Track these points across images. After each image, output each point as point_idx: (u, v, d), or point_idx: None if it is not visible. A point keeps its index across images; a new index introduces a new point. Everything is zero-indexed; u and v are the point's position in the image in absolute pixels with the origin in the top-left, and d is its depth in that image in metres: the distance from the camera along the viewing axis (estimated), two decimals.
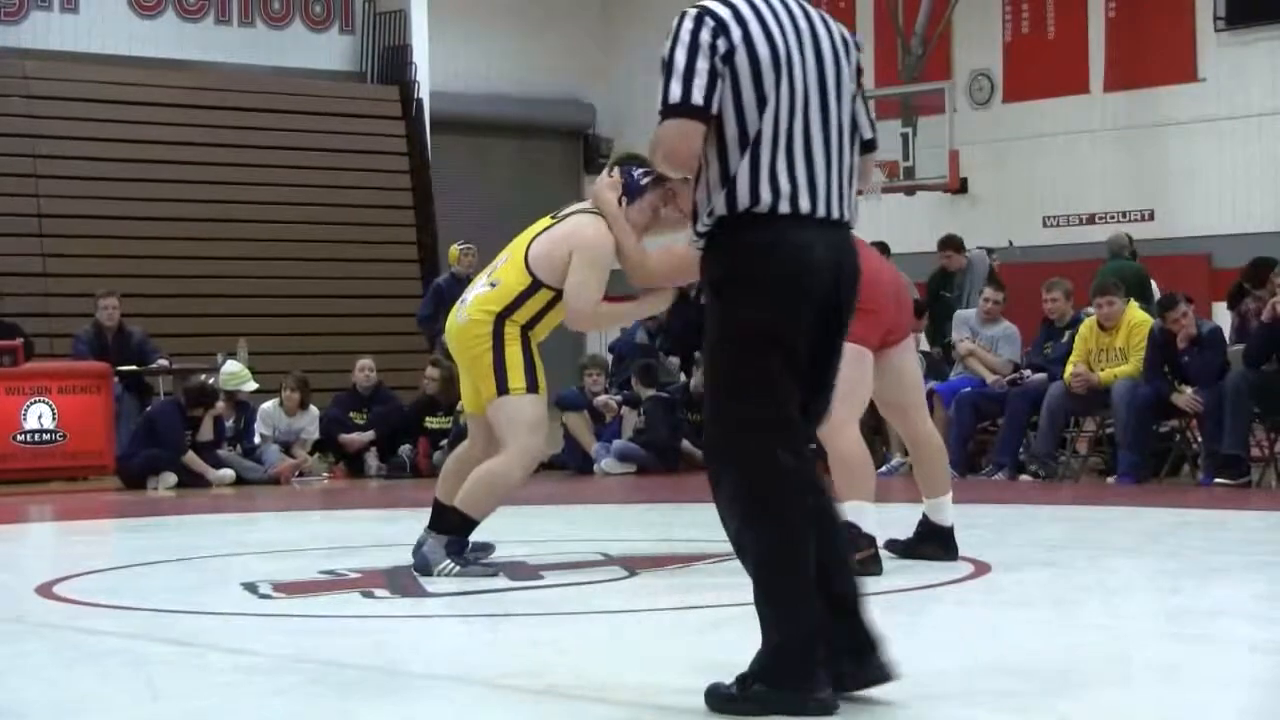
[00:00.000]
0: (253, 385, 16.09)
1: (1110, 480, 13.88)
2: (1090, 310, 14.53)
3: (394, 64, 24.36)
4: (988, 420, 15.08)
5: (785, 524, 5.09)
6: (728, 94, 5.02)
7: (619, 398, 16.27)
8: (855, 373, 7.72)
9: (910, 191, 22.90)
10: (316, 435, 16.33)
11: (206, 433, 15.41)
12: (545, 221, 8.68)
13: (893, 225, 21.75)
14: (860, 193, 5.35)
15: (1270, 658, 5.99)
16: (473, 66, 26.45)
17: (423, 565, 8.34)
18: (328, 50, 24.59)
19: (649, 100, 22.00)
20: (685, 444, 16.06)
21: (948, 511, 8.72)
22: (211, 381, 15.88)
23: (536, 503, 13.41)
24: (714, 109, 5.01)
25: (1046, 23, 23.76)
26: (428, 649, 6.63)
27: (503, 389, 8.37)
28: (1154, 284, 16.74)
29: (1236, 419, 13.21)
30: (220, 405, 15.57)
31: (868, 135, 5.39)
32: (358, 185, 22.92)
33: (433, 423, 16.28)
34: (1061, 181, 23.11)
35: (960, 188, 22.93)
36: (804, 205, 5.06)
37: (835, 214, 5.14)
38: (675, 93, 5.01)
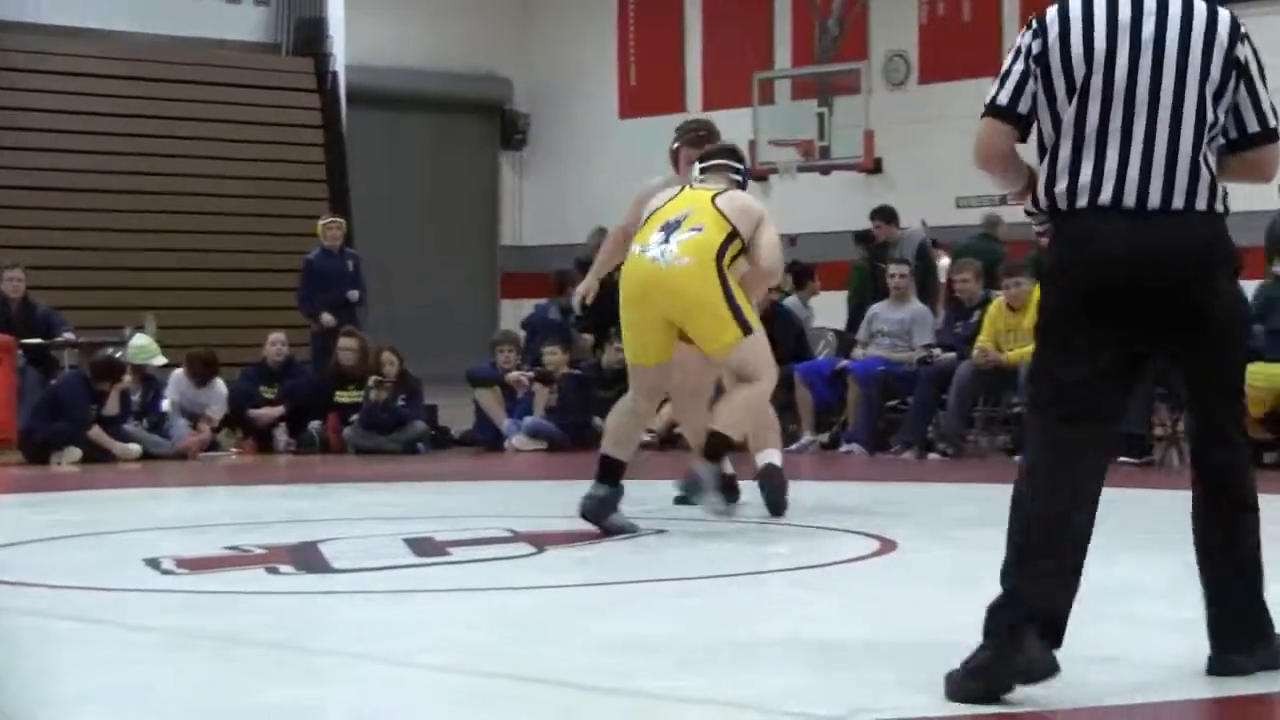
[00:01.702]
0: (161, 359, 15.94)
1: (1018, 459, 13.92)
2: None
3: (309, 36, 24.15)
4: (897, 399, 15.12)
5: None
6: (1040, 91, 5.22)
7: (530, 373, 16.23)
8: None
9: (825, 171, 22.94)
10: (224, 410, 16.21)
11: (113, 407, 15.26)
12: (700, 192, 9.19)
13: (808, 205, 21.80)
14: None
15: (1175, 634, 6.02)
16: (389, 40, 26.30)
17: (694, 489, 8.89)
18: (242, 21, 24.36)
19: (566, 75, 22.06)
20: (597, 421, 16.03)
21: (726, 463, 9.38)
22: (118, 355, 15.73)
23: (445, 478, 13.39)
24: (1021, 109, 5.25)
25: (962, 5, 23.82)
26: (331, 625, 6.60)
27: (748, 328, 8.87)
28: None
29: (1140, 399, 13.29)
30: (127, 379, 15.42)
31: (1252, 128, 5.26)
32: (271, 158, 22.74)
33: (343, 396, 16.19)
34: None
35: (875, 168, 22.99)
36: (1105, 196, 5.10)
37: (1154, 203, 5.09)
38: (990, 94, 5.34)
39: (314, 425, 16.16)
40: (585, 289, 10.14)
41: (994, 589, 7.28)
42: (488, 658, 5.70)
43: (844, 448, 15.00)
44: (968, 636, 6.03)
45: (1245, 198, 17.21)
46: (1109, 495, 10.52)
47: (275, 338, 16.75)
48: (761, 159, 23.19)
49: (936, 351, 14.86)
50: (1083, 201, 5.12)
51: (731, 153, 9.69)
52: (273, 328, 17.19)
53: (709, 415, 9.24)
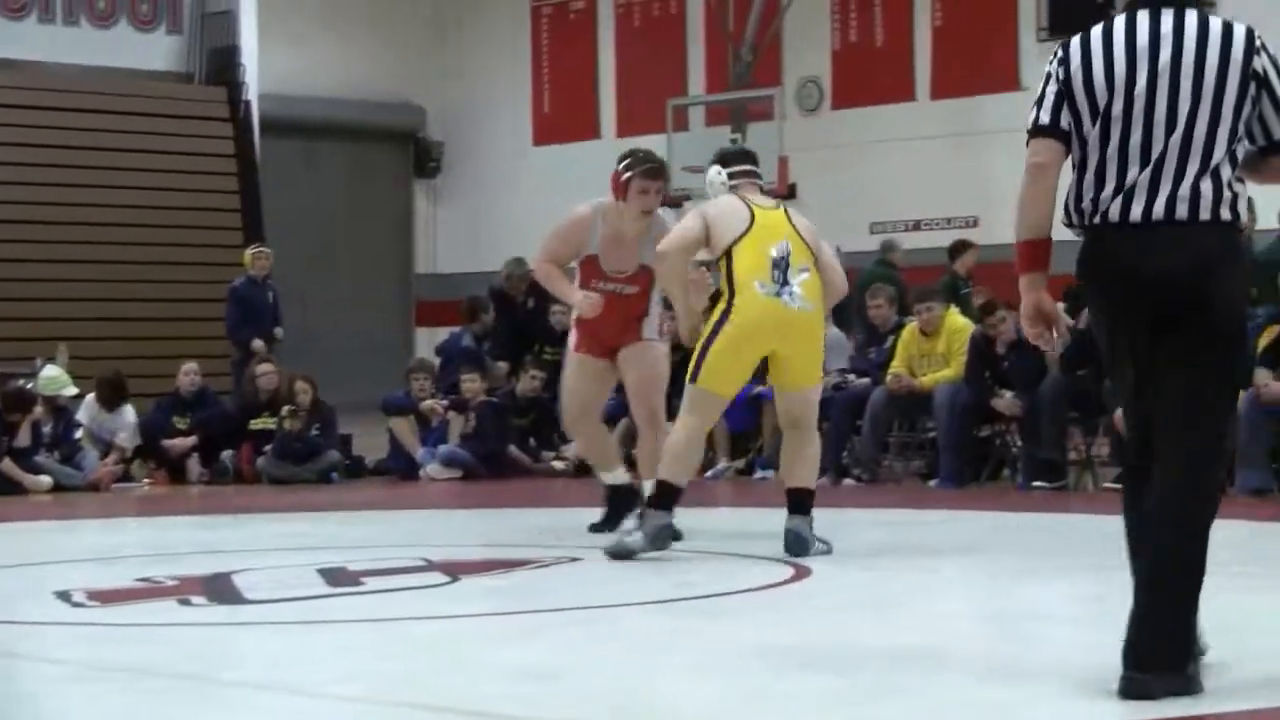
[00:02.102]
0: (72, 390, 15.84)
1: (931, 484, 14.01)
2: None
3: (222, 65, 24.09)
4: None
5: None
6: (1069, 114, 5.54)
7: (445, 401, 16.20)
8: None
9: None
10: (136, 441, 16.10)
11: (24, 439, 15.14)
12: (770, 211, 9.27)
13: None
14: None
15: (1083, 656, 6.06)
16: (302, 68, 26.24)
17: (801, 546, 8.91)
18: (154, 50, 24.27)
19: (480, 103, 22.03)
20: (513, 449, 16.02)
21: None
22: (29, 386, 15.62)
23: (360, 508, 13.34)
24: (1062, 124, 5.54)
25: (874, 31, 23.96)
26: (243, 657, 6.57)
27: (819, 375, 9.36)
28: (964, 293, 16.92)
29: (1054, 424, 13.40)
30: (38, 410, 15.31)
31: (1277, 135, 5.51)
32: (184, 188, 22.64)
33: (257, 424, 16.11)
34: (889, 188, 23.30)
35: (789, 193, 23.01)
36: (1116, 212, 5.46)
37: (1158, 215, 5.40)
38: (1030, 117, 5.63)
39: (227, 455, 16.07)
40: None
41: (908, 613, 7.34)
42: (399, 688, 5.69)
43: (759, 474, 15.03)
44: (880, 662, 6.09)
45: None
46: (1021, 520, 10.65)
47: (188, 367, 16.65)
48: (676, 186, 23.22)
49: (851, 377, 14.91)
50: (1099, 218, 5.49)
51: (754, 158, 9.70)
52: (186, 357, 17.09)
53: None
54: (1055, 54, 5.63)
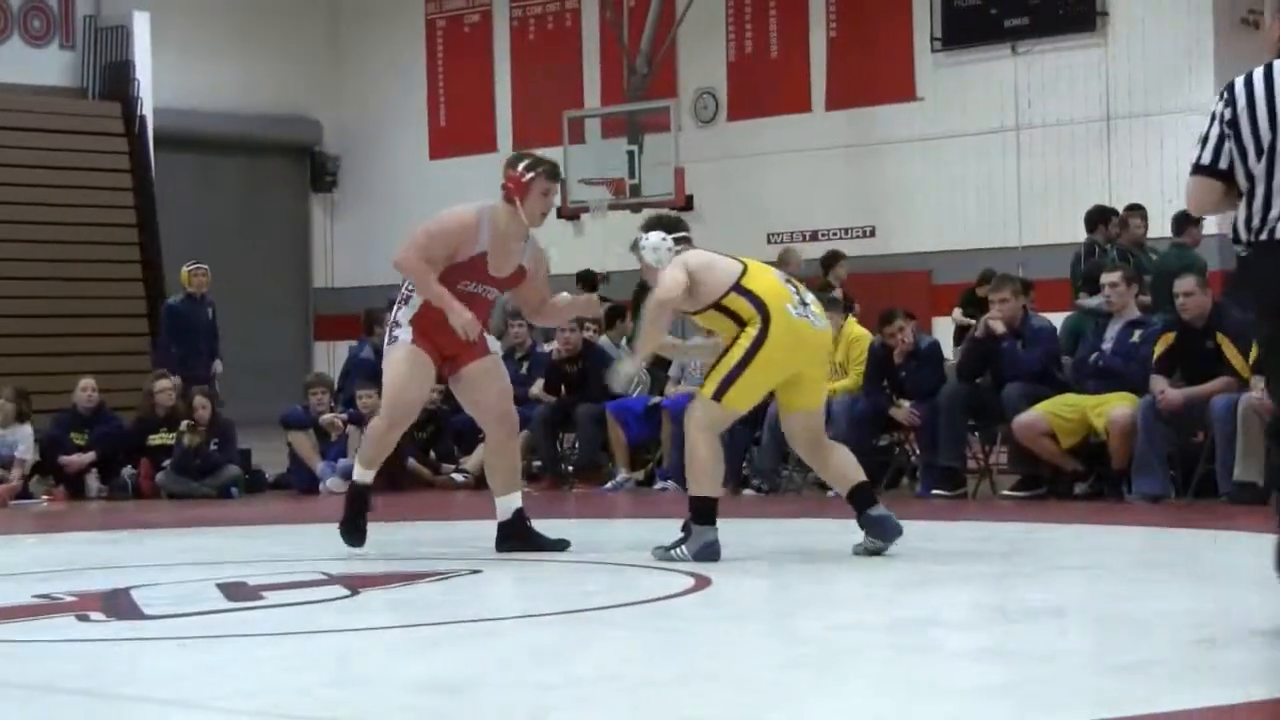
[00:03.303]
0: None
1: (830, 494, 14.02)
2: None
3: (116, 80, 23.97)
4: None
5: None
6: (1235, 149, 6.41)
7: (344, 415, 16.14)
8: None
9: (636, 209, 22.99)
10: (34, 456, 15.97)
11: None
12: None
13: (619, 242, 21.82)
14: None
15: (981, 665, 6.11)
16: (197, 83, 26.11)
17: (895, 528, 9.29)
18: (48, 65, 24.12)
19: (376, 117, 22.00)
20: (411, 462, 15.97)
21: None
22: None
23: (259, 523, 13.27)
24: (1222, 165, 6.44)
25: (770, 42, 24.08)
26: (144, 672, 6.51)
27: None
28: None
29: (952, 432, 13.48)
30: None
31: None
32: (79, 203, 22.52)
33: (155, 440, 16.01)
34: (785, 199, 23.41)
35: (686, 205, 23.11)
36: (1265, 235, 6.36)
37: None
38: (1194, 156, 6.52)
39: (126, 471, 15.96)
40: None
41: (806, 623, 7.38)
42: (300, 701, 5.67)
43: (659, 485, 15.04)
44: (780, 671, 6.11)
45: (1057, 230, 17.35)
46: (921, 529, 10.68)
47: (85, 383, 16.52)
48: (573, 198, 23.28)
49: None
50: (1267, 235, 6.35)
51: (687, 225, 9.94)
52: (83, 373, 16.95)
53: None
54: (1222, 95, 6.46)
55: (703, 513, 9.15)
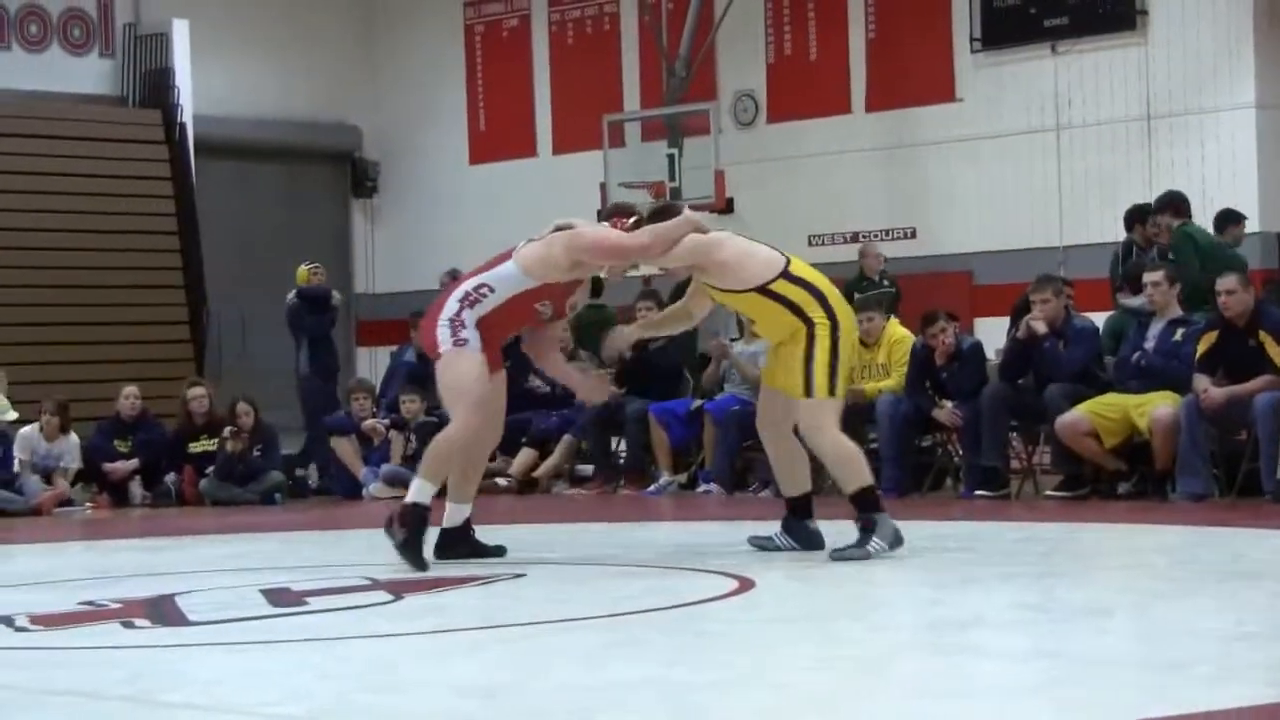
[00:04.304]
0: (12, 415, 15.79)
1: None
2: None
3: (156, 88, 24.01)
4: (753, 438, 15.15)
5: None
6: None
7: (386, 420, 16.18)
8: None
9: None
10: (78, 464, 16.05)
11: None
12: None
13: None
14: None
15: (1021, 665, 6.10)
16: (237, 90, 26.15)
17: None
18: (87, 74, 24.18)
19: (416, 122, 22.09)
20: None
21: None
22: None
23: (303, 529, 13.31)
24: None
25: (809, 44, 24.02)
26: (187, 679, 6.53)
27: None
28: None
29: (994, 432, 13.46)
30: None
31: None
32: (120, 211, 22.57)
33: (196, 447, 16.07)
34: (826, 200, 23.35)
35: (727, 207, 23.08)
36: None
37: None
38: None
39: (170, 478, 16.03)
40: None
41: (846, 625, 7.37)
42: (342, 707, 5.68)
43: (702, 488, 15.05)
44: (819, 673, 6.11)
45: (1098, 230, 17.31)
46: (963, 529, 10.66)
47: (129, 391, 16.61)
48: (613, 202, 23.22)
49: None
50: None
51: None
52: (125, 381, 17.03)
53: None
54: None
55: (873, 502, 9.29)
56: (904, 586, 8.61)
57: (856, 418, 14.36)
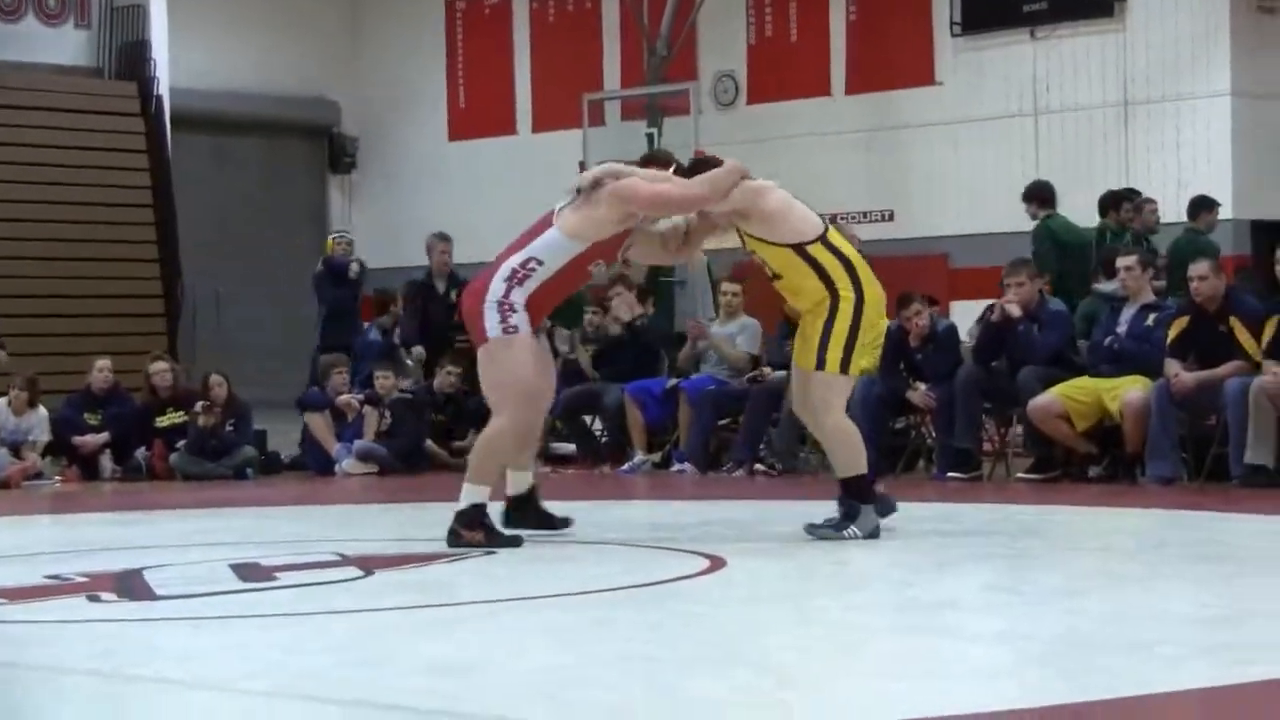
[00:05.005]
0: None
1: None
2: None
3: (132, 59, 23.94)
4: (728, 417, 15.20)
5: None
6: None
7: (360, 396, 16.14)
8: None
9: None
10: (47, 437, 15.99)
11: None
12: None
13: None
14: None
15: (993, 647, 6.10)
16: (214, 63, 26.09)
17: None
18: (63, 45, 24.08)
19: (395, 98, 21.99)
20: (429, 444, 15.99)
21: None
22: None
23: (275, 504, 13.29)
24: None
25: (789, 26, 24.03)
26: (154, 653, 6.50)
27: None
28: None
29: (967, 415, 13.48)
30: None
31: None
32: (95, 183, 22.52)
33: (163, 422, 16.02)
34: (804, 182, 23.13)
35: None
36: None
37: None
38: None
39: (140, 452, 15.97)
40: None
41: (821, 605, 7.37)
42: (314, 682, 5.66)
43: (676, 467, 15.05)
44: (793, 652, 6.11)
45: (1075, 215, 17.29)
46: (936, 510, 10.68)
47: (101, 364, 16.55)
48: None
49: (767, 370, 14.95)
50: None
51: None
52: (99, 354, 16.97)
53: None
54: None
55: (863, 492, 9.25)
56: (877, 567, 8.60)
57: None
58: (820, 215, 9.45)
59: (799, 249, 9.18)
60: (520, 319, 8.96)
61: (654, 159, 9.65)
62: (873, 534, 9.16)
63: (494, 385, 9.09)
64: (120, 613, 7.43)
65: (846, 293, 9.16)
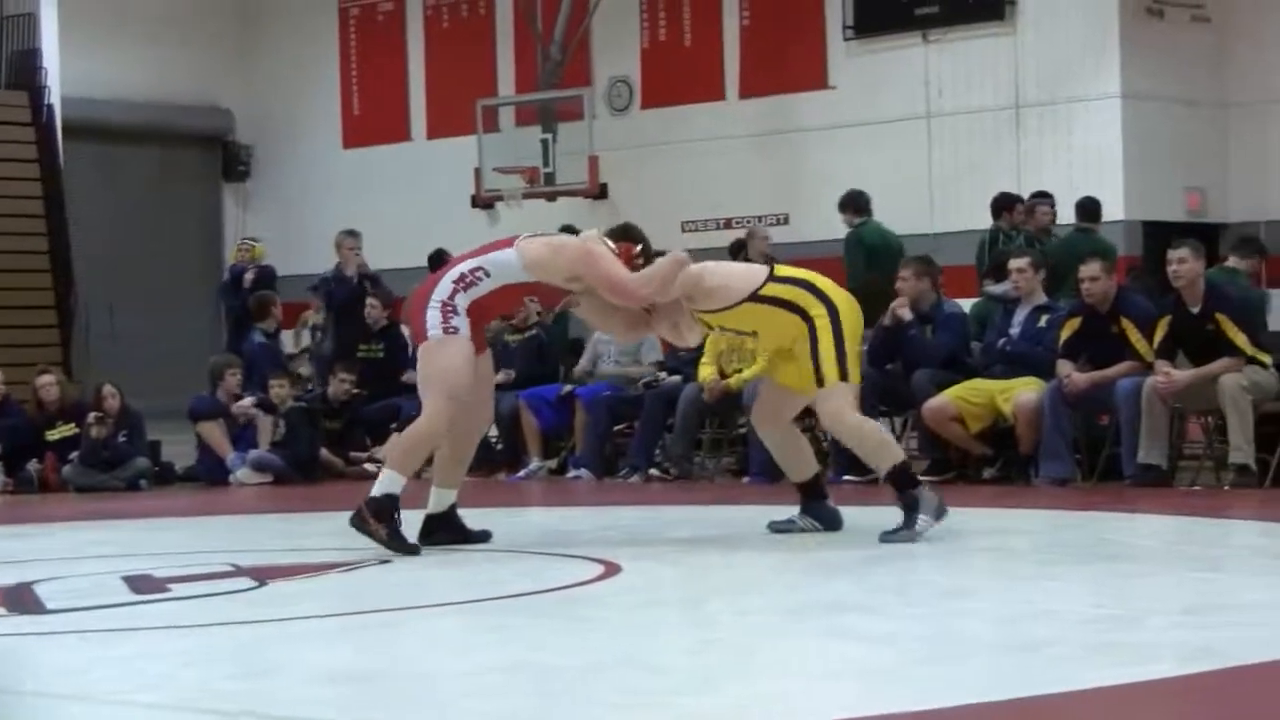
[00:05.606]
0: None
1: (744, 480, 14.08)
2: None
3: (22, 69, 23.73)
4: (624, 423, 15.20)
5: None
6: None
7: (254, 398, 16.00)
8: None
9: (551, 197, 23.04)
10: None
11: None
12: None
13: (534, 230, 21.86)
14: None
15: (883, 646, 6.13)
16: (106, 72, 25.90)
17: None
18: None
19: (289, 106, 21.84)
20: (324, 453, 15.92)
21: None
22: None
23: (168, 515, 13.19)
24: None
25: (683, 30, 24.08)
26: (44, 666, 6.45)
27: None
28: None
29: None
30: None
31: None
32: None
33: (53, 434, 15.86)
34: (699, 186, 23.42)
35: (600, 193, 23.14)
36: None
37: None
38: None
39: (32, 464, 15.80)
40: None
41: (715, 608, 7.39)
42: (205, 694, 5.63)
43: (572, 473, 15.04)
44: (690, 655, 6.12)
45: (969, 217, 17.39)
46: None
47: None
48: (487, 187, 23.27)
49: (662, 375, 14.96)
50: None
51: None
52: None
53: None
54: None
55: (910, 478, 9.38)
56: (770, 570, 8.63)
57: (727, 406, 14.44)
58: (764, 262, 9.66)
59: (754, 297, 9.33)
60: (461, 322, 9.08)
61: (627, 235, 9.64)
62: (940, 511, 9.26)
63: (425, 380, 9.20)
64: (8, 627, 7.35)
65: (818, 310, 9.30)
